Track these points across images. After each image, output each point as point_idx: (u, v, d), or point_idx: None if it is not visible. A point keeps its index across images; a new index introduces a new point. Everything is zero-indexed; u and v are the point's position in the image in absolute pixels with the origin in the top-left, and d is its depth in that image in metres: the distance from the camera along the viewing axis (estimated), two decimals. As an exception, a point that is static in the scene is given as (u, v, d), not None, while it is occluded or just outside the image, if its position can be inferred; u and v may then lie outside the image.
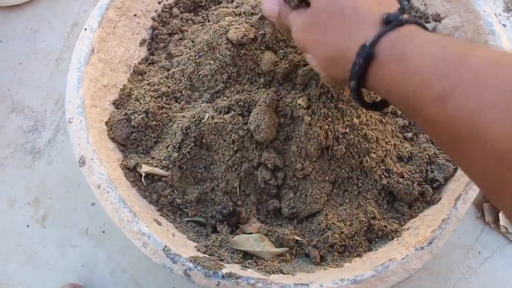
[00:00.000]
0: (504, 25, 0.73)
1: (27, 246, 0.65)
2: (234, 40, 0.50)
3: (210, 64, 0.52)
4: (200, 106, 0.52)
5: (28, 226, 0.66)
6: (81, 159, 0.50)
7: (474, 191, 0.48)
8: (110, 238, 0.64)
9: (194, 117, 0.51)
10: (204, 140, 0.51)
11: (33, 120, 0.73)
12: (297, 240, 0.50)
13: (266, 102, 0.48)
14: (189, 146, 0.51)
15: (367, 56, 0.32)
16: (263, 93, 0.49)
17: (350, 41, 0.34)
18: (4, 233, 0.66)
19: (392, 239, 0.49)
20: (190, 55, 0.56)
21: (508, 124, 0.25)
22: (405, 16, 0.33)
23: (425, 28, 0.33)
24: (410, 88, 0.30)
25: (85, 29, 0.56)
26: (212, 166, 0.52)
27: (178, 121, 0.53)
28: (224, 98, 0.52)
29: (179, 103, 0.55)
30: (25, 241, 0.66)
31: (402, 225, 0.50)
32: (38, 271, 0.64)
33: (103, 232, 0.65)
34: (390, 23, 0.33)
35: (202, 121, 0.50)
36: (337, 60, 0.36)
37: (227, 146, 0.50)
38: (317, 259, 0.49)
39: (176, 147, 0.51)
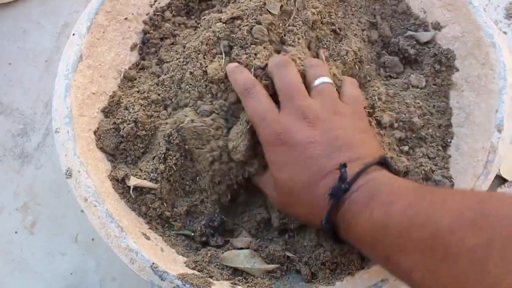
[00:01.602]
0: (505, 33, 0.72)
1: (15, 253, 0.64)
2: (212, 77, 0.50)
3: (196, 71, 0.51)
4: (183, 110, 0.51)
5: (16, 232, 0.65)
6: (67, 171, 0.48)
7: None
8: (100, 246, 0.63)
9: (175, 123, 0.50)
10: (187, 147, 0.50)
11: (22, 123, 0.71)
12: (288, 256, 0.49)
13: (248, 123, 0.47)
14: (174, 157, 0.50)
15: (325, 229, 0.41)
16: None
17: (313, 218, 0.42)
18: (-8, 239, 0.65)
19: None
20: (179, 61, 0.54)
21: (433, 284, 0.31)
22: (347, 182, 0.39)
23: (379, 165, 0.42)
24: (363, 247, 0.39)
25: (73, 34, 0.55)
26: (198, 178, 0.51)
27: (161, 128, 0.51)
28: (208, 103, 0.50)
29: (167, 111, 0.54)
30: (13, 248, 0.65)
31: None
32: (26, 279, 0.63)
33: (92, 239, 0.64)
34: (335, 196, 0.39)
35: (181, 125, 0.49)
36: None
37: (206, 154, 0.49)
38: (308, 277, 0.48)
39: (162, 158, 0.50)
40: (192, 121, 0.49)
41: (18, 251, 0.64)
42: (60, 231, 0.65)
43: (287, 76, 0.46)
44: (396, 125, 0.53)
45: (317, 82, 0.46)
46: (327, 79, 0.47)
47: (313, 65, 0.48)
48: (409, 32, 0.59)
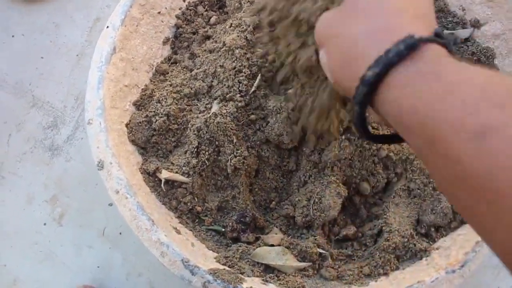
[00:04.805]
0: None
1: (44, 245, 0.65)
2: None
3: (229, 66, 0.51)
4: (212, 105, 0.51)
5: (45, 224, 0.66)
6: (99, 163, 0.48)
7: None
8: (127, 240, 0.63)
9: (204, 117, 0.49)
10: (217, 143, 0.49)
11: (53, 116, 0.72)
12: (320, 253, 0.48)
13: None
14: (207, 152, 0.49)
15: (412, 44, 0.26)
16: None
17: (386, 34, 0.28)
18: (22, 230, 0.66)
19: (421, 259, 0.46)
20: (213, 56, 0.54)
21: None
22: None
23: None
24: (441, 114, 0.23)
25: (107, 27, 0.55)
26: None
27: (192, 122, 0.51)
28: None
29: (200, 106, 0.53)
30: (42, 239, 0.65)
31: (431, 244, 0.48)
32: (54, 270, 0.63)
33: (120, 233, 0.64)
34: (439, 37, 0.27)
35: (208, 120, 0.48)
36: (349, 61, 0.30)
37: (231, 148, 0.48)
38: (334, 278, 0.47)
39: (194, 152, 0.49)
40: (215, 115, 0.48)
41: (46, 242, 0.65)
42: (87, 224, 0.65)
43: None
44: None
45: None
46: None
47: None
48: (446, 31, 0.57)
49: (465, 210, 0.24)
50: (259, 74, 0.49)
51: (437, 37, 0.27)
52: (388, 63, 0.26)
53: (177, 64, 0.58)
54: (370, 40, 0.28)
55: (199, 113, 0.52)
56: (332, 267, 0.47)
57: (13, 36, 0.77)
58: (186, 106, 0.53)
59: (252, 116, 0.50)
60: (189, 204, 0.50)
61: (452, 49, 0.28)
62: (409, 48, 0.26)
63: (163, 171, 0.49)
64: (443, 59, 0.26)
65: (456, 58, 0.26)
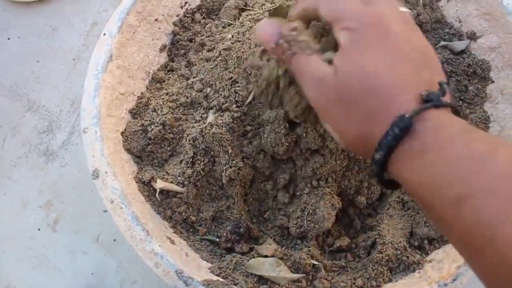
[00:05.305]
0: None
1: (38, 250, 0.64)
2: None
3: (225, 76, 0.51)
4: (208, 114, 0.51)
5: (39, 229, 0.66)
6: (94, 171, 0.48)
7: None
8: (121, 247, 0.63)
9: (200, 127, 0.49)
10: (212, 153, 0.49)
11: (48, 120, 0.71)
12: (313, 264, 0.48)
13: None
14: (202, 162, 0.49)
15: (406, 126, 0.29)
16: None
17: (381, 117, 0.31)
18: (16, 235, 0.66)
19: (414, 271, 0.47)
20: (209, 65, 0.54)
21: None
22: (445, 98, 0.31)
23: (457, 112, 0.31)
24: (429, 183, 0.28)
25: (104, 34, 0.55)
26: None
27: (187, 132, 0.51)
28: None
29: (196, 115, 0.53)
30: (36, 245, 0.65)
31: (424, 257, 0.48)
32: (48, 276, 0.63)
33: (114, 240, 0.64)
34: (430, 102, 0.30)
35: (203, 130, 0.48)
36: (365, 136, 0.32)
37: (226, 158, 0.49)
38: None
39: (189, 162, 0.49)
40: (211, 125, 0.48)
41: (40, 248, 0.65)
42: (82, 230, 0.65)
43: None
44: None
45: None
46: None
47: None
48: (443, 42, 0.58)
49: (467, 261, 0.29)
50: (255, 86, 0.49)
51: (427, 101, 0.30)
52: (389, 146, 0.30)
53: (174, 72, 0.58)
54: (372, 122, 0.31)
55: (195, 123, 0.52)
56: (326, 279, 0.47)
57: (8, 38, 0.77)
58: (182, 115, 0.53)
59: (248, 127, 0.50)
60: (183, 214, 0.50)
61: (442, 104, 0.30)
62: (403, 130, 0.29)
63: (158, 180, 0.49)
64: (432, 136, 0.29)
65: (449, 114, 0.30)
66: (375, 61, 0.31)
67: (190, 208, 0.50)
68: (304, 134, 0.47)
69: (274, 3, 0.53)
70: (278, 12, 0.46)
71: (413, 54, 0.32)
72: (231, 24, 0.57)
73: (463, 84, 0.55)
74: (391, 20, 0.32)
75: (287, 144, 0.47)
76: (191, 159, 0.49)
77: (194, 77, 0.55)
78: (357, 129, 0.32)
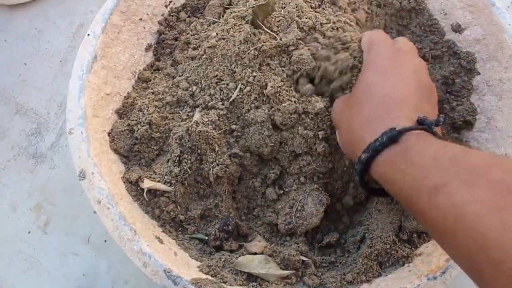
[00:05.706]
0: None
1: (28, 253, 0.64)
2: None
3: (211, 74, 0.51)
4: (194, 113, 0.50)
5: (29, 232, 0.65)
6: (81, 172, 0.48)
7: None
8: (112, 248, 0.63)
9: (186, 126, 0.49)
10: (199, 151, 0.49)
11: (36, 123, 0.71)
12: (303, 260, 0.48)
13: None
14: (189, 161, 0.49)
15: (393, 137, 0.36)
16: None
17: (375, 123, 0.38)
18: (6, 238, 0.65)
19: (403, 265, 0.47)
20: (194, 64, 0.54)
21: (495, 218, 0.26)
22: (436, 129, 0.37)
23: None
24: (409, 178, 0.33)
25: (88, 35, 0.54)
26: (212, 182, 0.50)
27: (174, 131, 0.51)
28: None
29: (182, 114, 0.53)
30: (26, 248, 0.65)
31: (413, 250, 0.48)
32: (39, 279, 0.63)
33: (105, 241, 0.64)
34: (423, 125, 0.37)
35: (189, 128, 0.48)
36: (357, 139, 0.40)
37: (213, 156, 0.49)
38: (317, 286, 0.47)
39: (176, 161, 0.49)
40: (197, 124, 0.48)
41: (31, 251, 0.64)
42: (72, 231, 0.65)
43: None
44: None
45: None
46: None
47: None
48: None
49: (440, 244, 0.34)
50: (240, 83, 0.49)
51: (420, 124, 0.37)
52: (375, 150, 0.37)
53: (160, 71, 0.58)
54: (366, 128, 0.39)
55: (181, 121, 0.51)
56: (315, 275, 0.47)
57: (-5, 42, 0.77)
58: (168, 114, 0.52)
59: (234, 126, 0.49)
60: (172, 213, 0.50)
61: (431, 130, 0.37)
62: (390, 139, 0.36)
63: (146, 180, 0.49)
64: (415, 142, 0.35)
65: (433, 136, 0.36)
66: (388, 81, 0.40)
67: (178, 207, 0.50)
68: (290, 140, 0.48)
69: (258, 0, 0.53)
70: (263, 9, 0.46)
71: (422, 89, 0.41)
72: (216, 22, 0.57)
73: (450, 78, 0.55)
74: (412, 59, 0.42)
75: (271, 144, 0.47)
76: (178, 158, 0.49)
77: (180, 76, 0.55)
78: (354, 132, 0.40)
